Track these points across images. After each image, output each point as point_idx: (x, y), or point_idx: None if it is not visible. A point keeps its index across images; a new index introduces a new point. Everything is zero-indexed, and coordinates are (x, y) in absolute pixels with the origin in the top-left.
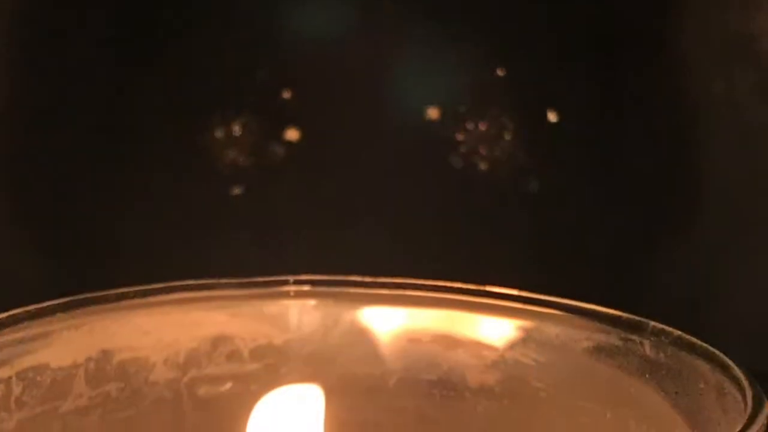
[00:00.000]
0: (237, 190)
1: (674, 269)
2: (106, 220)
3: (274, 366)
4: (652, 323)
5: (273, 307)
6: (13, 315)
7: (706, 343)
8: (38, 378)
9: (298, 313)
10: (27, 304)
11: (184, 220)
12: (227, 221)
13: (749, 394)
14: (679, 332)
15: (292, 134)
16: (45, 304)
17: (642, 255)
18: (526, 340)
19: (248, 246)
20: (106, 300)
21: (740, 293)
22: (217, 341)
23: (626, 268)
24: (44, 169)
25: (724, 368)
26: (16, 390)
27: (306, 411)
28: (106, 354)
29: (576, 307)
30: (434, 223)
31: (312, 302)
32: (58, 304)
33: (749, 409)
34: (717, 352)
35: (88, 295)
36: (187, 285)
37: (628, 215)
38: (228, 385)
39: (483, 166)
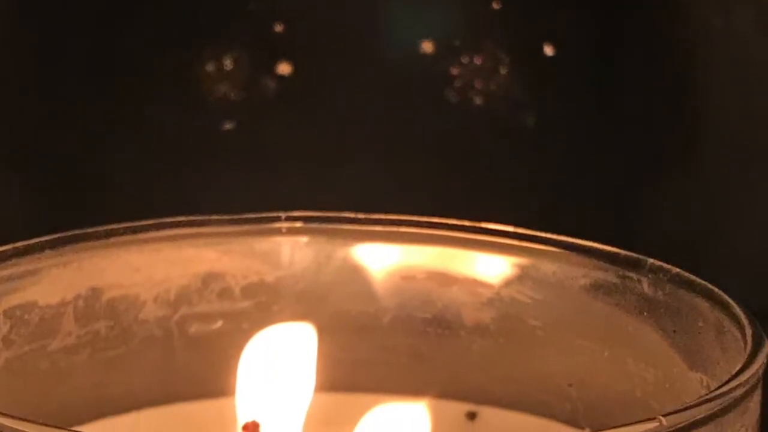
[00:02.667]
0: (228, 125)
1: (672, 205)
2: (96, 155)
3: (266, 304)
4: (651, 260)
5: (265, 244)
6: (0, 252)
7: (704, 280)
8: (26, 316)
9: (290, 250)
10: (14, 239)
11: (175, 155)
12: (218, 156)
13: (749, 332)
14: (678, 269)
15: (284, 68)
16: (33, 241)
17: (640, 190)
18: (522, 277)
19: (239, 181)
20: (95, 237)
21: (739, 230)
22: (208, 278)
23: (623, 204)
24: (32, 103)
25: (724, 306)
26: (4, 328)
27: (298, 349)
28: (95, 291)
29: (573, 244)
30: (429, 159)
31: (304, 239)
32: (46, 240)
33: (749, 348)
34: (716, 289)
35: (77, 231)
36: (178, 221)
37: (626, 150)
38: (219, 323)
39: (478, 100)
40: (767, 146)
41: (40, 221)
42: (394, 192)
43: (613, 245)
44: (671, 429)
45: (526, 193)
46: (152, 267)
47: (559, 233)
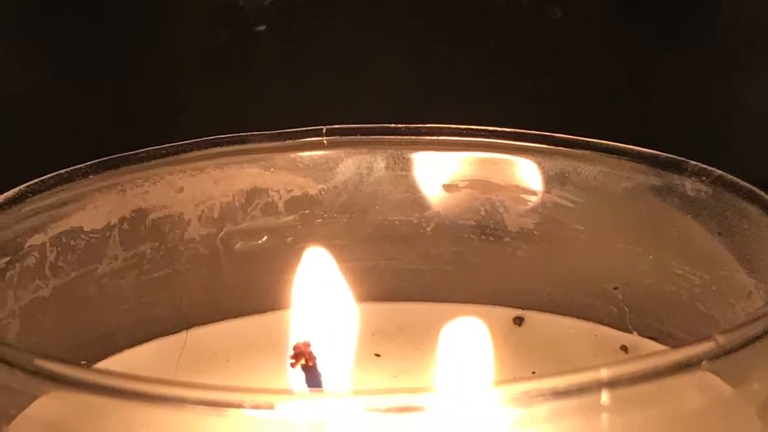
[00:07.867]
0: (261, 27)
1: (696, 91)
2: (132, 55)
3: (309, 217)
4: (692, 162)
5: (307, 157)
6: (44, 180)
7: (727, 163)
8: (72, 242)
9: (332, 162)
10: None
11: (210, 58)
12: (252, 58)
13: None
14: (720, 172)
15: None
16: (76, 167)
17: (665, 77)
18: (563, 182)
19: (271, 81)
20: (137, 159)
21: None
22: (252, 194)
23: (649, 89)
24: (76, 22)
25: None
26: (51, 256)
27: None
28: (139, 214)
29: (613, 147)
30: (455, 55)
31: (345, 151)
32: (89, 165)
33: None
34: (761, 192)
35: (119, 155)
36: (219, 139)
37: (651, 39)
38: (264, 238)
39: None
40: None
41: (78, 113)
42: (420, 88)
43: (639, 131)
44: (728, 348)
45: (554, 84)
46: (195, 186)
47: (585, 121)
